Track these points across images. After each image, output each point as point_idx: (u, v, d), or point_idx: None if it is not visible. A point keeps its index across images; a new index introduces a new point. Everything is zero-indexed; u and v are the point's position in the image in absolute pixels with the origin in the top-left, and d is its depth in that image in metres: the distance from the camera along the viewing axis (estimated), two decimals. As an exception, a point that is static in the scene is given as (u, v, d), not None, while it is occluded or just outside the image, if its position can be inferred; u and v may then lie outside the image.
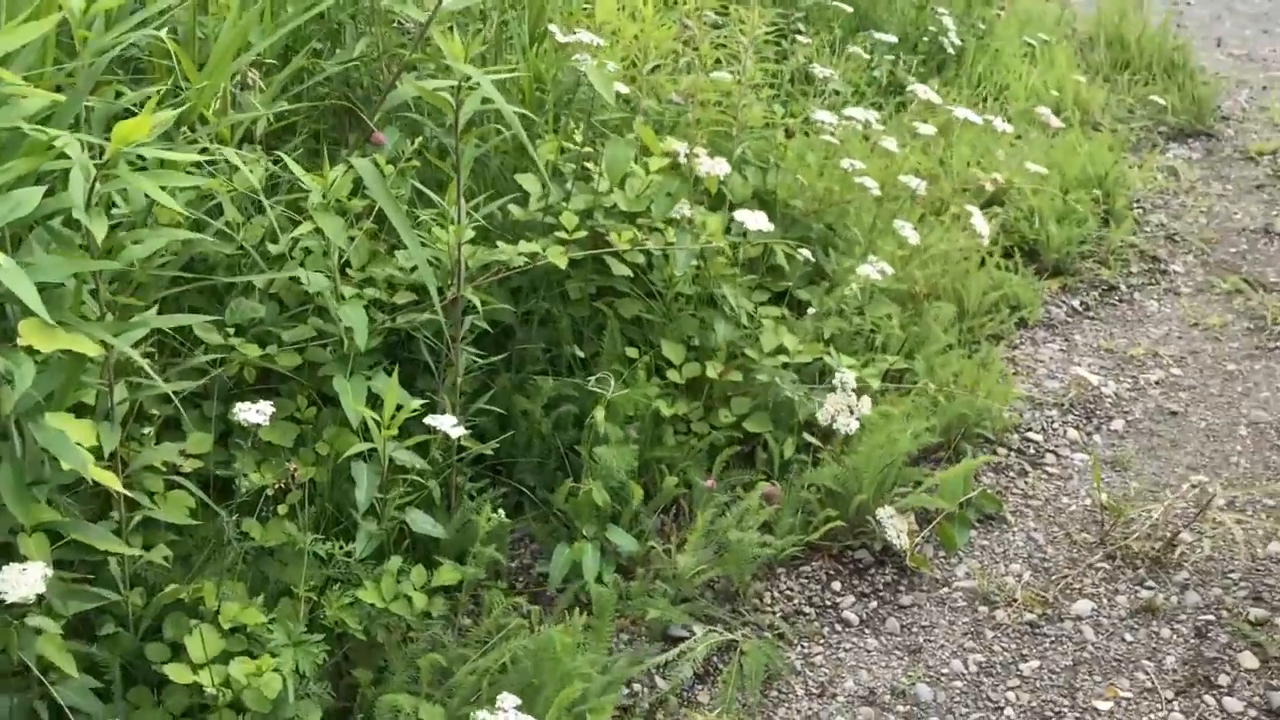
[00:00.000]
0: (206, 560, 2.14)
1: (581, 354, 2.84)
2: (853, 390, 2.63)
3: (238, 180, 2.31)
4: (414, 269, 2.50)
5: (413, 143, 2.63)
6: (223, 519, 2.09)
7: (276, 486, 2.22)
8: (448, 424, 2.12)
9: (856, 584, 2.62)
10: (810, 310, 3.05)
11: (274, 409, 1.97)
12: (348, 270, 2.52)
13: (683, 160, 2.77)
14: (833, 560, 2.67)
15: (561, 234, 2.64)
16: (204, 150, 2.18)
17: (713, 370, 2.76)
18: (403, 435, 2.25)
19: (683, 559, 2.41)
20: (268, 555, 2.21)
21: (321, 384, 2.40)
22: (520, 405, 2.68)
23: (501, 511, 2.21)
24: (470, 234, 2.51)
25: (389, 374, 2.37)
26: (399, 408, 2.22)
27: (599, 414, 2.46)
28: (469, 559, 2.32)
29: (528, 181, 2.83)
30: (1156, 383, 3.42)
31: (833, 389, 2.81)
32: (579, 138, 2.86)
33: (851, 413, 2.59)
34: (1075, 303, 3.85)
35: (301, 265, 2.43)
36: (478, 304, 2.39)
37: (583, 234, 2.63)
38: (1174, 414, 3.28)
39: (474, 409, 2.53)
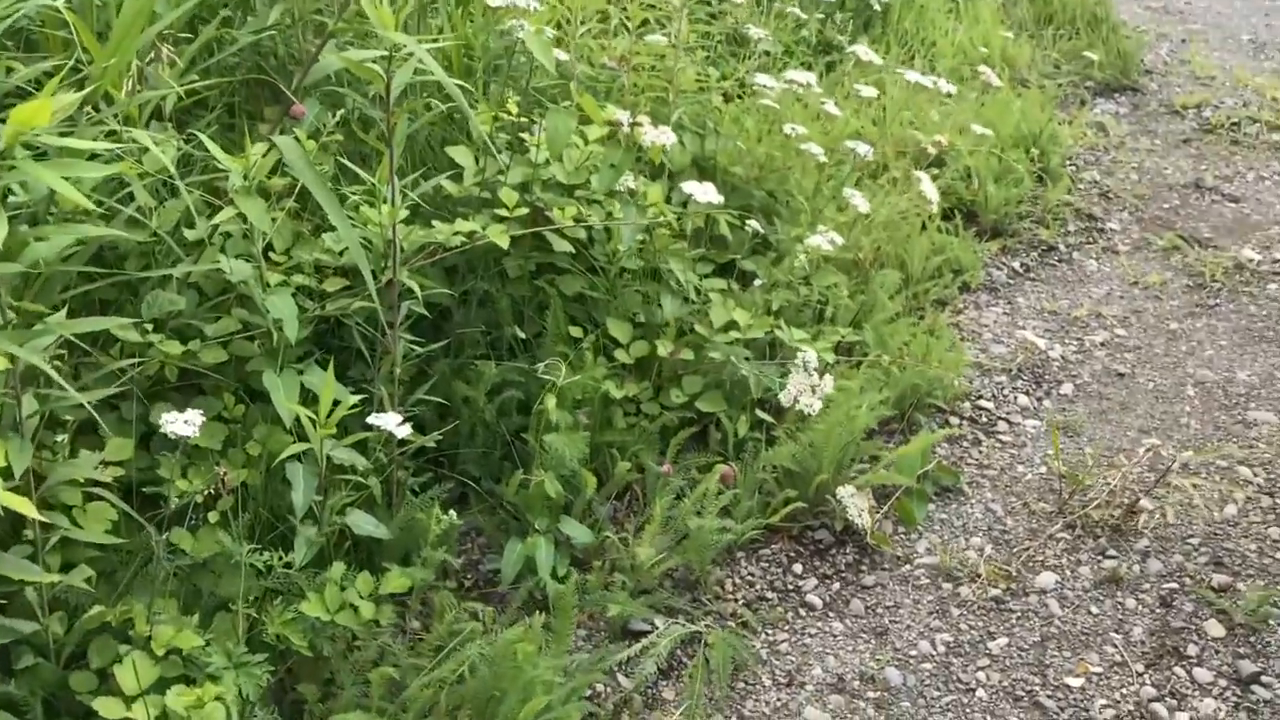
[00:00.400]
0: (134, 576, 1.98)
1: (523, 335, 2.71)
2: (815, 369, 2.54)
3: (149, 162, 2.14)
4: (343, 251, 2.35)
5: (334, 115, 2.47)
6: (150, 533, 1.93)
7: (206, 493, 2.07)
8: (392, 423, 1.98)
9: (818, 565, 2.53)
10: (757, 282, 2.95)
11: (203, 416, 1.81)
12: (271, 254, 2.35)
13: (625, 129, 2.63)
14: (793, 541, 2.58)
15: (500, 210, 2.49)
16: (111, 134, 2.00)
17: (663, 349, 2.65)
18: (340, 432, 2.11)
19: (641, 551, 2.31)
20: (200, 567, 2.06)
21: (249, 378, 2.24)
22: (461, 392, 2.54)
23: (453, 512, 2.08)
24: (404, 213, 2.36)
25: (322, 366, 2.23)
26: (336, 403, 2.07)
27: (550, 402, 2.34)
28: (415, 560, 2.19)
29: (460, 154, 2.68)
30: (1102, 344, 3.39)
31: (783, 366, 2.72)
32: (514, 107, 2.71)
33: (814, 392, 2.50)
34: (1016, 264, 3.80)
35: (222, 251, 2.26)
36: (415, 288, 2.24)
37: (523, 211, 2.49)
38: (1121, 376, 3.24)
39: (413, 399, 2.38)
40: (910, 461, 2.64)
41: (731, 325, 2.74)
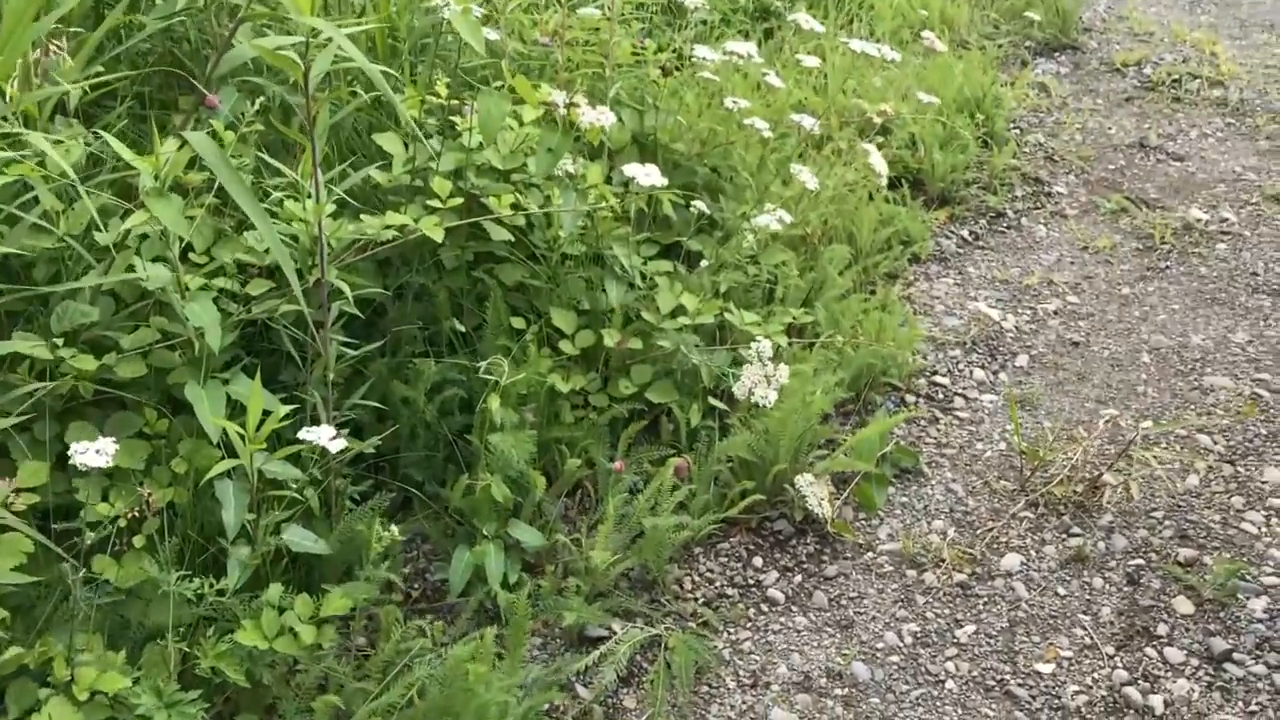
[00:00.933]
0: (53, 612, 1.85)
1: (463, 328, 2.59)
2: (768, 359, 2.44)
3: (52, 165, 1.99)
4: (268, 250, 2.21)
5: (253, 104, 2.33)
6: (69, 566, 1.79)
7: (129, 516, 1.94)
8: (325, 436, 1.86)
9: (778, 557, 2.45)
10: (703, 263, 2.85)
11: (117, 445, 1.68)
12: (191, 255, 2.22)
13: (561, 110, 2.51)
14: (751, 534, 2.50)
15: (433, 201, 2.37)
16: (6, 136, 1.85)
17: (610, 339, 2.54)
18: (273, 442, 1.99)
19: (596, 554, 2.21)
20: (127, 595, 1.93)
21: (172, 389, 2.10)
22: (400, 393, 2.42)
23: (395, 529, 1.97)
24: (331, 207, 2.23)
25: (249, 373, 2.10)
26: (266, 414, 1.95)
27: (493, 402, 2.23)
28: (358, 573, 2.07)
29: (388, 142, 2.54)
30: (1055, 312, 3.33)
31: (734, 350, 2.63)
32: (443, 90, 2.58)
33: (769, 383, 2.40)
34: (964, 232, 3.73)
35: (137, 254, 2.12)
36: (344, 288, 2.11)
37: (457, 201, 2.37)
38: (1076, 345, 3.19)
39: (349, 404, 2.26)
40: (869, 446, 2.56)
41: (680, 310, 2.64)
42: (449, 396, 2.46)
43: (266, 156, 2.26)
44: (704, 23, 4.20)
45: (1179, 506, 2.59)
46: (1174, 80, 4.85)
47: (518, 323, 2.57)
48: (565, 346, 2.57)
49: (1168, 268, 3.55)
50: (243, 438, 1.90)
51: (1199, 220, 3.77)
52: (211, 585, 1.85)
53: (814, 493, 2.44)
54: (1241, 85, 4.80)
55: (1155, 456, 2.70)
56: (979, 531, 2.53)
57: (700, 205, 2.80)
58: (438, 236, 2.23)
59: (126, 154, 1.93)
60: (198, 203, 2.23)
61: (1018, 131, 4.39)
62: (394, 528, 1.96)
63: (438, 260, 2.57)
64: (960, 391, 2.99)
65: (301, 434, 1.88)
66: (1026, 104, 4.63)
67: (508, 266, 2.62)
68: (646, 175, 2.43)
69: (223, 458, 1.99)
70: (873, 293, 3.23)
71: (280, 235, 2.18)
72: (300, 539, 2.05)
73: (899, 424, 2.82)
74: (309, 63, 1.90)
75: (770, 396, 2.39)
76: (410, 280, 2.55)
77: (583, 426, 2.53)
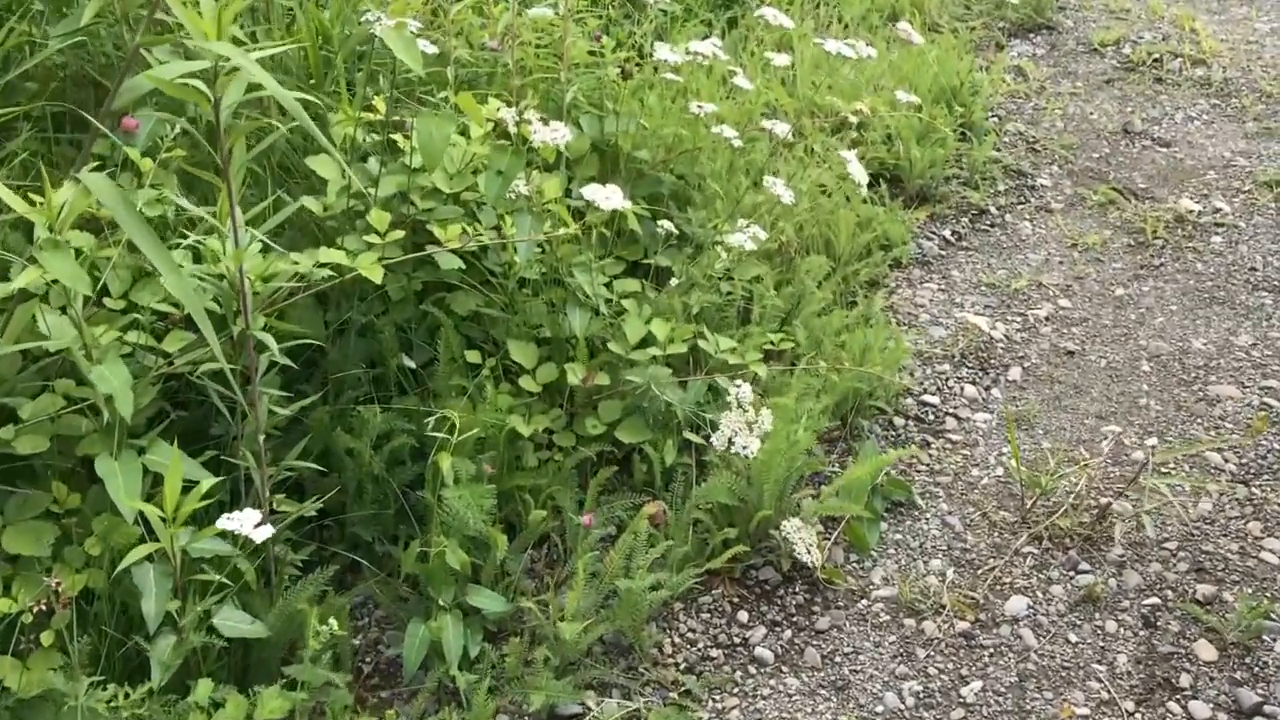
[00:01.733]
0: (-54, 730, 1.63)
1: (412, 364, 2.37)
2: (749, 404, 2.23)
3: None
4: (190, 295, 1.98)
5: (174, 127, 2.10)
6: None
7: (35, 609, 1.71)
8: (249, 523, 1.63)
9: (765, 610, 2.25)
10: (673, 281, 2.63)
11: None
12: (105, 301, 1.99)
13: (512, 129, 2.29)
14: (735, 584, 2.29)
15: (371, 237, 2.14)
16: None
17: (574, 376, 2.32)
18: (204, 509, 1.77)
19: (566, 626, 1.99)
20: (38, 700, 1.71)
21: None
22: (343, 444, 2.19)
23: (334, 623, 1.74)
24: (257, 246, 2.00)
25: (169, 435, 1.87)
26: (190, 485, 1.73)
27: (444, 463, 2.00)
28: (302, 652, 1.86)
29: (322, 166, 2.31)
30: (1046, 319, 3.13)
31: (710, 377, 2.42)
32: (381, 105, 2.35)
33: (751, 430, 2.19)
34: (946, 233, 3.52)
35: (45, 300, 1.89)
36: (269, 342, 1.87)
37: (399, 234, 2.14)
38: (1071, 354, 3.00)
39: (286, 462, 2.03)
40: (859, 486, 2.35)
41: (649, 340, 2.42)
42: (398, 445, 2.23)
43: (182, 200, 2.01)
44: (664, 13, 3.98)
45: (1193, 535, 2.41)
46: (1154, 60, 4.66)
47: (473, 356, 2.35)
48: (526, 383, 2.35)
49: (1162, 265, 3.36)
50: (164, 519, 1.68)
51: (1191, 211, 3.59)
52: (128, 696, 1.62)
53: (802, 539, 2.24)
54: (1224, 63, 4.62)
55: (1164, 480, 2.51)
56: (980, 572, 2.34)
57: (668, 225, 2.57)
58: (376, 277, 2.00)
59: (16, 204, 1.69)
60: (114, 239, 2.01)
61: (996, 120, 4.19)
62: (333, 621, 1.73)
63: (382, 293, 2.34)
64: (951, 411, 2.79)
65: (221, 521, 1.65)
66: (1004, 90, 4.43)
67: (460, 295, 2.40)
68: (608, 198, 2.20)
69: (142, 535, 1.77)
70: (854, 304, 3.03)
71: (204, 276, 1.95)
72: (235, 622, 1.84)
73: (887, 449, 2.62)
74: (218, 94, 1.66)
75: (753, 445, 2.17)
76: (353, 317, 2.33)
77: (547, 471, 2.31)
